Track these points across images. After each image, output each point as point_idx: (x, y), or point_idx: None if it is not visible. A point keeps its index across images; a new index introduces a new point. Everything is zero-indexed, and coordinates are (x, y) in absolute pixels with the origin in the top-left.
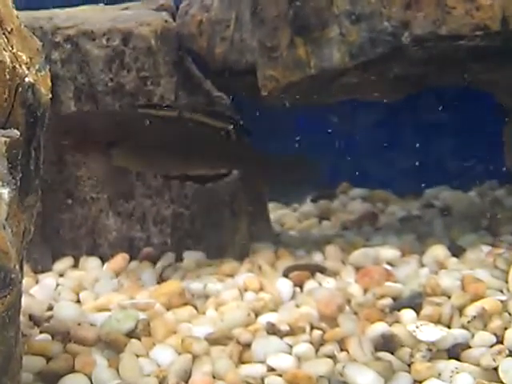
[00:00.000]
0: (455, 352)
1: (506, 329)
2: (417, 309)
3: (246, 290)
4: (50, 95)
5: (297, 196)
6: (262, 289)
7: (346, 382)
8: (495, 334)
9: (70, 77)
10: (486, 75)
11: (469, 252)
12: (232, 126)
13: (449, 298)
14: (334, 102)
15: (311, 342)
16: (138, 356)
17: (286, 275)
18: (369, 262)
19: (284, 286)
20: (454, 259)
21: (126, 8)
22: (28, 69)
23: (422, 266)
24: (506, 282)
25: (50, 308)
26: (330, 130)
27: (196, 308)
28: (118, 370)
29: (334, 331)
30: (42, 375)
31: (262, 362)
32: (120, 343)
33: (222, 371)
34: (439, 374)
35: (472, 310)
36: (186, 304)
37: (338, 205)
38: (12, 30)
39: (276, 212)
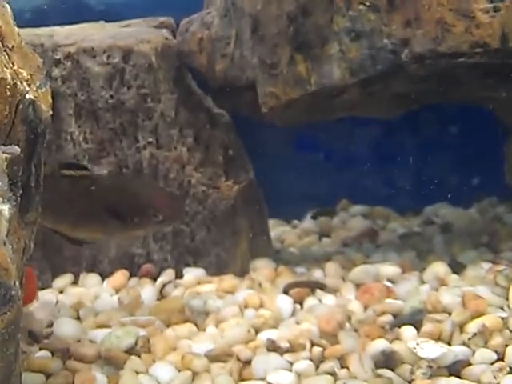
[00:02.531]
0: (456, 369)
1: (506, 346)
2: (417, 326)
3: (246, 307)
4: (51, 112)
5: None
6: (262, 305)
7: None
8: (496, 351)
9: (71, 94)
10: (486, 92)
11: (469, 269)
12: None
13: (449, 314)
14: (335, 118)
15: (311, 359)
16: (137, 373)
17: (286, 292)
18: (369, 279)
19: (284, 302)
20: (455, 276)
21: (127, 25)
22: (29, 86)
23: (423, 282)
24: (507, 298)
25: (50, 325)
26: (329, 147)
27: (196, 325)
28: None
29: (334, 348)
30: None
31: (263, 379)
32: (120, 360)
33: None
34: None
35: (473, 326)
36: (186, 321)
37: (338, 222)
38: (13, 47)
39: (276, 229)
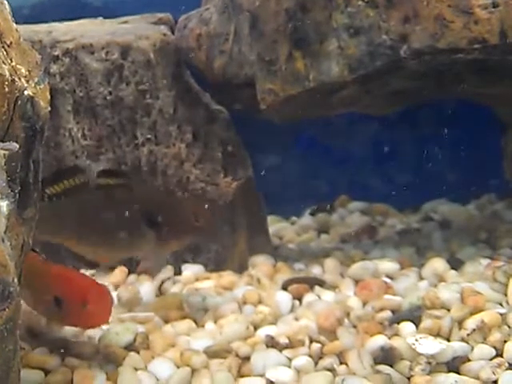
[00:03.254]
0: (455, 365)
1: (505, 342)
2: (416, 322)
3: (244, 303)
4: (49, 108)
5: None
6: (260, 302)
7: None
8: (495, 347)
9: (69, 90)
10: (485, 88)
11: (468, 265)
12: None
13: (448, 310)
14: (333, 115)
15: (310, 355)
16: (136, 369)
17: (284, 288)
18: (368, 275)
19: (283, 299)
20: (453, 272)
21: (125, 22)
22: (27, 82)
23: (421, 278)
24: (505, 294)
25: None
26: (328, 144)
27: (195, 321)
28: None
29: (333, 344)
30: None
31: (261, 375)
32: (119, 356)
33: None
34: None
35: (471, 322)
36: (184, 317)
37: (337, 218)
38: (11, 43)
39: (275, 225)
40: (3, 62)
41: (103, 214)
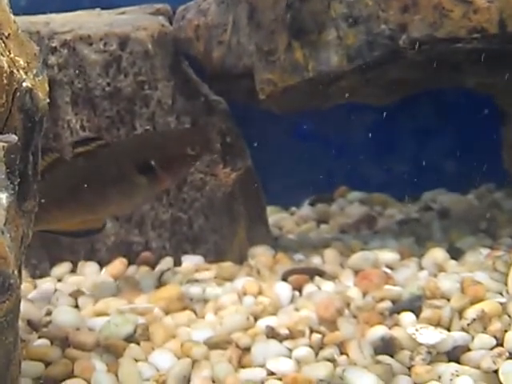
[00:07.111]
0: (455, 355)
1: (505, 331)
2: (416, 312)
3: (244, 294)
4: (48, 100)
5: None
6: (260, 293)
7: None
8: (495, 337)
9: (67, 81)
10: (484, 78)
11: (468, 255)
12: None
13: (448, 300)
14: (332, 105)
15: (311, 346)
16: (137, 361)
17: (284, 279)
18: (368, 266)
19: (283, 289)
20: (453, 262)
21: (123, 13)
22: (25, 74)
23: (421, 268)
24: (506, 284)
25: (49, 313)
26: (327, 134)
27: (195, 312)
28: (117, 375)
29: (333, 335)
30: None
31: (262, 366)
32: (119, 348)
33: (222, 375)
34: (439, 377)
35: (472, 312)
36: (184, 308)
37: (336, 208)
38: (9, 34)
39: (274, 216)
40: (1, 54)
41: (90, 176)
